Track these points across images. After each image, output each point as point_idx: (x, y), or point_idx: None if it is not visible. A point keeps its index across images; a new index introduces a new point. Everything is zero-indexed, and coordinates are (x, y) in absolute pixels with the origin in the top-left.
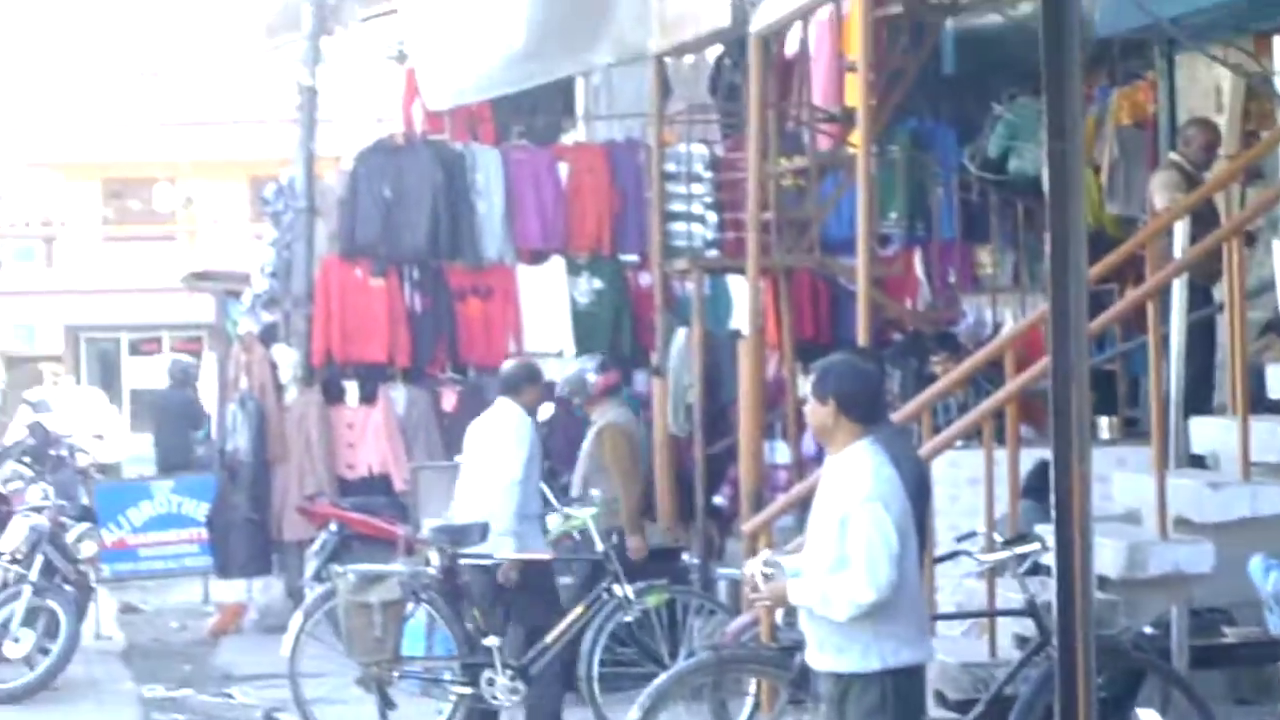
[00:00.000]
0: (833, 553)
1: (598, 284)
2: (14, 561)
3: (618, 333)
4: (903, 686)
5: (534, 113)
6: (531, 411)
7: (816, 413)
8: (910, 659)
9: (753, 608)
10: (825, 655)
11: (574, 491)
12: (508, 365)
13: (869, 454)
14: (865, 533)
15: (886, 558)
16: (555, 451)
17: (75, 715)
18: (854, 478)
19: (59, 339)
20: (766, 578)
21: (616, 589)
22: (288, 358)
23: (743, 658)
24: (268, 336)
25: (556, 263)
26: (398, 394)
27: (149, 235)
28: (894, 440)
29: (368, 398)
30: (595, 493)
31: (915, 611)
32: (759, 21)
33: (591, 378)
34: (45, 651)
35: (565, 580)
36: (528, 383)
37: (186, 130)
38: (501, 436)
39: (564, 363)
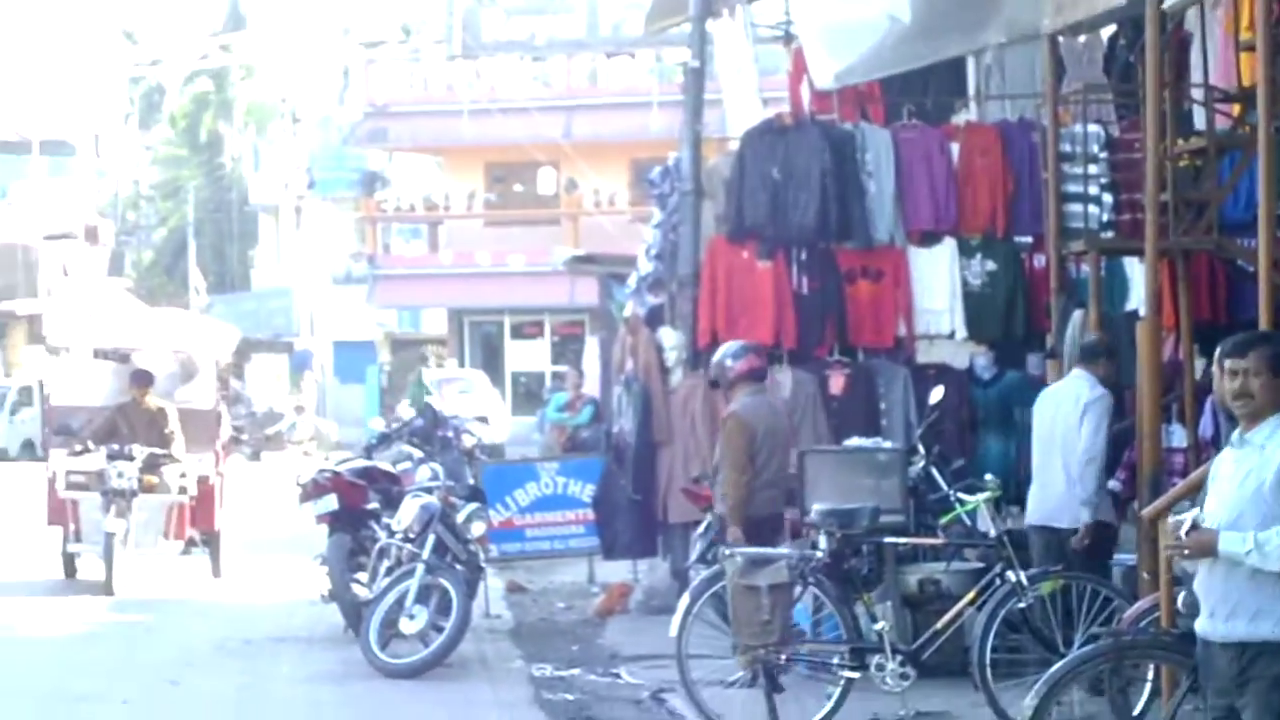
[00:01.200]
0: (1264, 510)
1: (991, 266)
2: (407, 540)
3: (1011, 315)
4: None
5: (924, 92)
6: (1105, 383)
7: (1255, 384)
8: None
9: (1172, 564)
10: (1235, 622)
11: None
12: (1089, 337)
13: None
14: None
15: None
16: (947, 433)
17: (468, 692)
18: None
19: (443, 322)
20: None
21: (1010, 575)
22: (673, 340)
23: (1142, 644)
24: (653, 319)
25: (948, 244)
26: (784, 376)
27: (531, 219)
28: None
29: None
30: (990, 477)
31: None
32: None
33: (730, 363)
34: (438, 629)
35: (957, 566)
36: (1105, 356)
37: (569, 114)
38: (1077, 406)
39: (952, 346)
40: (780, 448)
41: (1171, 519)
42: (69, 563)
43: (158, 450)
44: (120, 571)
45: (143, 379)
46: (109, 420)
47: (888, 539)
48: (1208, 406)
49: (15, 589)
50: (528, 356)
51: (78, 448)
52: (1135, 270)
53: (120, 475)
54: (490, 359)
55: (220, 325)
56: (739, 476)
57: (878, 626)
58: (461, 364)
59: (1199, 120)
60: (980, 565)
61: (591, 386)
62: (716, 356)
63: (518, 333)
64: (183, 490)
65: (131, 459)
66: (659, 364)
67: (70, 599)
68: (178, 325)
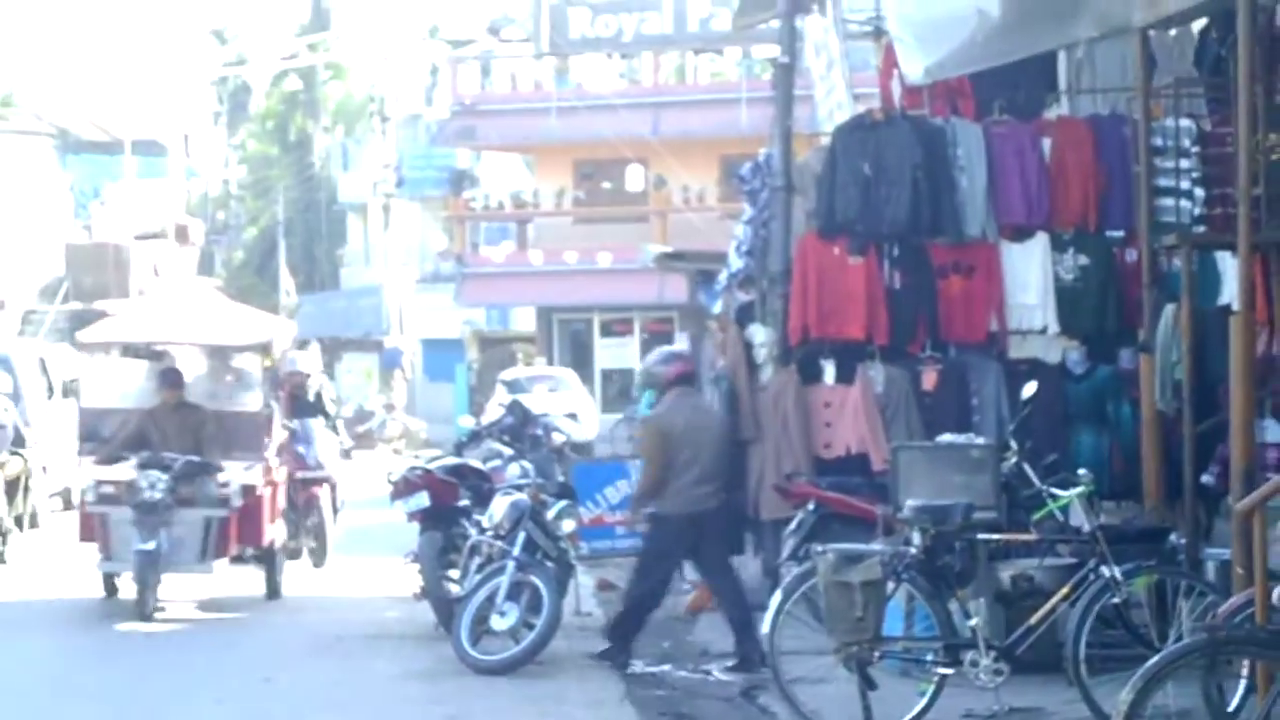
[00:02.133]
0: None
1: (1083, 260)
2: (498, 537)
3: (1103, 309)
4: None
5: (1015, 87)
6: None
7: None
8: None
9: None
10: None
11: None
12: None
13: None
14: None
15: None
16: (1039, 429)
17: (559, 688)
18: None
19: (532, 320)
20: None
21: (1104, 570)
22: (763, 337)
23: (1238, 639)
24: (743, 316)
25: (1040, 239)
26: (876, 373)
27: (620, 216)
28: None
29: (845, 377)
30: (1083, 472)
31: None
32: None
33: (660, 369)
34: (529, 626)
35: (1050, 561)
36: None
37: (657, 111)
38: None
39: (1045, 341)
40: (708, 444)
41: None
42: (108, 582)
43: (194, 458)
44: (158, 593)
45: (172, 379)
46: (139, 425)
47: (981, 535)
48: None
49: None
50: (617, 354)
51: (107, 456)
52: (1227, 265)
53: (152, 486)
54: (579, 356)
55: (273, 318)
56: (651, 470)
57: (971, 623)
58: (550, 362)
59: None
60: (1074, 561)
61: None
62: (647, 363)
63: (607, 330)
64: (223, 502)
65: (166, 468)
66: (746, 361)
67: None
68: (220, 318)
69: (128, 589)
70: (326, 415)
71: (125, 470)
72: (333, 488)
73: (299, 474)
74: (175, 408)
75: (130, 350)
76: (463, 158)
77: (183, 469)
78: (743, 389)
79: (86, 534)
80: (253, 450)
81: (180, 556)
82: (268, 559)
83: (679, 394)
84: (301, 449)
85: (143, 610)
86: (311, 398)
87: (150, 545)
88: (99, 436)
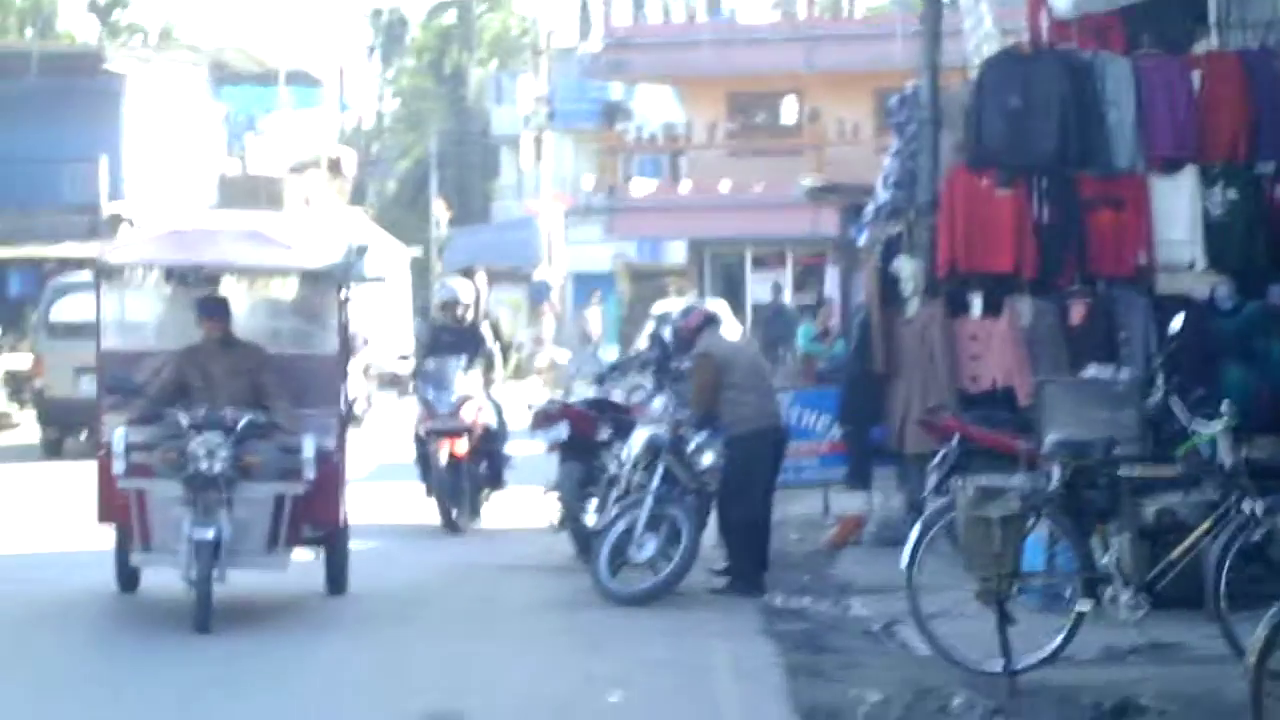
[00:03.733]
0: None
1: (1232, 195)
2: (636, 470)
3: (1251, 244)
4: None
5: (1163, 21)
6: None
7: None
8: None
9: None
10: None
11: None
12: None
13: None
14: None
15: None
16: (1187, 364)
17: (698, 620)
18: None
19: (683, 253)
20: None
21: (1246, 505)
22: (910, 269)
23: None
24: (891, 248)
25: (1189, 172)
26: (1023, 306)
27: (773, 149)
28: None
29: (992, 310)
30: (1228, 405)
31: None
32: None
33: (682, 323)
34: (668, 558)
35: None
36: None
37: (811, 44)
38: None
39: (1193, 276)
40: (755, 368)
41: None
42: (127, 575)
43: (258, 416)
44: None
45: (214, 309)
46: (178, 370)
47: (1122, 469)
48: None
49: None
50: (769, 287)
51: (141, 413)
52: None
53: (210, 454)
54: (731, 290)
55: (352, 239)
56: (705, 397)
57: (1111, 558)
58: (702, 295)
59: None
60: (1217, 496)
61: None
62: (673, 322)
63: (759, 263)
64: (295, 473)
65: (228, 430)
66: (882, 294)
67: None
68: (282, 235)
69: (156, 583)
70: (488, 354)
71: (169, 430)
72: (478, 440)
73: (426, 425)
74: (222, 346)
75: (170, 276)
76: (615, 91)
77: (246, 429)
78: (875, 322)
79: (109, 514)
80: (326, 404)
81: (246, 546)
82: (336, 543)
83: (709, 333)
84: (431, 395)
85: (202, 619)
86: (474, 331)
87: (209, 533)
88: (128, 387)
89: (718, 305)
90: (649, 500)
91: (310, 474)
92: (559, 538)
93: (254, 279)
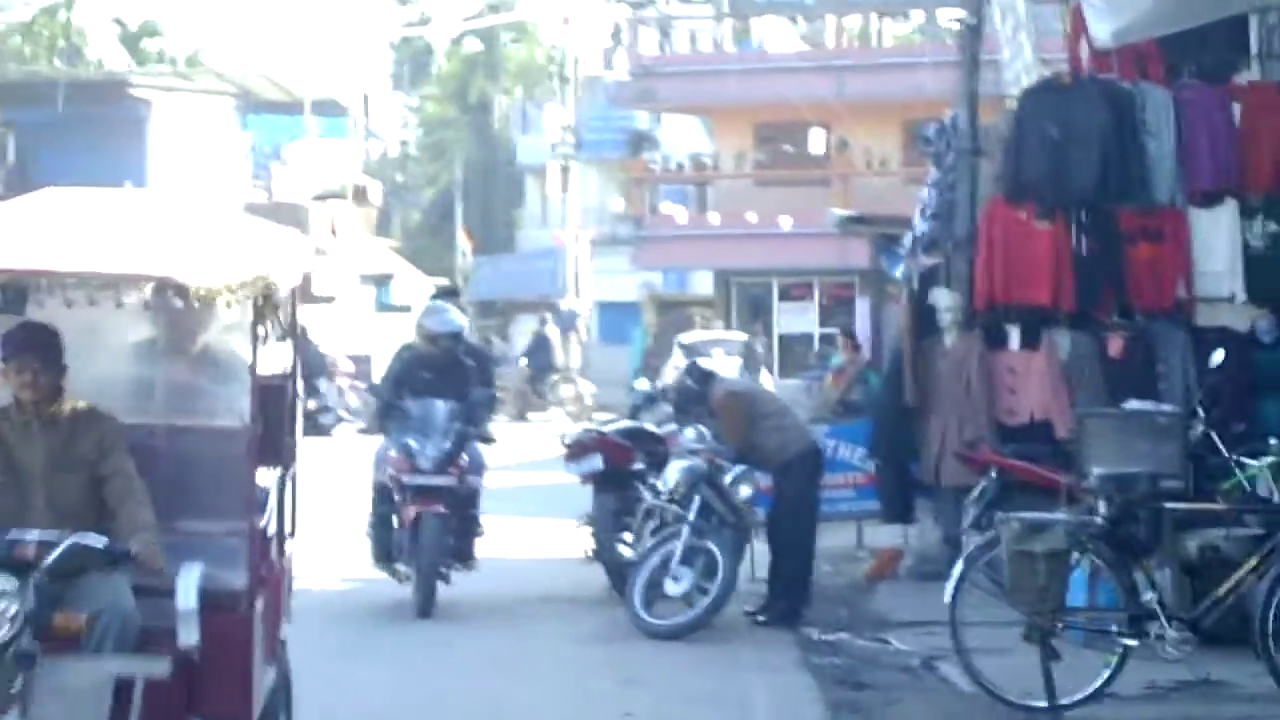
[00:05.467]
0: None
1: (1272, 227)
2: (673, 501)
3: None
4: None
5: (1205, 51)
6: None
7: None
8: None
9: None
10: None
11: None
12: None
13: None
14: None
15: None
16: (1227, 397)
17: (733, 654)
18: None
19: (710, 283)
20: None
21: None
22: (948, 301)
23: None
24: (928, 280)
25: (1229, 205)
26: (1062, 339)
27: (801, 180)
28: None
29: (1030, 342)
30: (1273, 442)
31: None
32: None
33: (690, 380)
34: (704, 591)
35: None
36: None
37: (840, 74)
38: None
39: (1233, 309)
40: (774, 395)
41: None
42: None
43: (86, 538)
44: None
45: (26, 351)
46: None
47: (1167, 504)
48: None
49: None
50: (796, 318)
51: None
52: None
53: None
54: (757, 321)
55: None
56: (740, 430)
57: (1155, 594)
58: (728, 326)
59: None
60: (1262, 531)
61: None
62: (685, 382)
63: (786, 294)
64: (158, 640)
65: (26, 567)
66: (914, 327)
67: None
68: (165, 234)
69: None
70: (486, 398)
71: None
72: (459, 503)
73: (405, 479)
74: (40, 416)
75: None
76: (642, 120)
77: (63, 564)
78: (907, 355)
79: None
80: (230, 510)
81: None
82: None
83: (717, 378)
84: (414, 443)
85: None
86: (460, 367)
87: None
88: None
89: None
90: (685, 532)
91: (190, 638)
92: (593, 570)
93: (101, 297)
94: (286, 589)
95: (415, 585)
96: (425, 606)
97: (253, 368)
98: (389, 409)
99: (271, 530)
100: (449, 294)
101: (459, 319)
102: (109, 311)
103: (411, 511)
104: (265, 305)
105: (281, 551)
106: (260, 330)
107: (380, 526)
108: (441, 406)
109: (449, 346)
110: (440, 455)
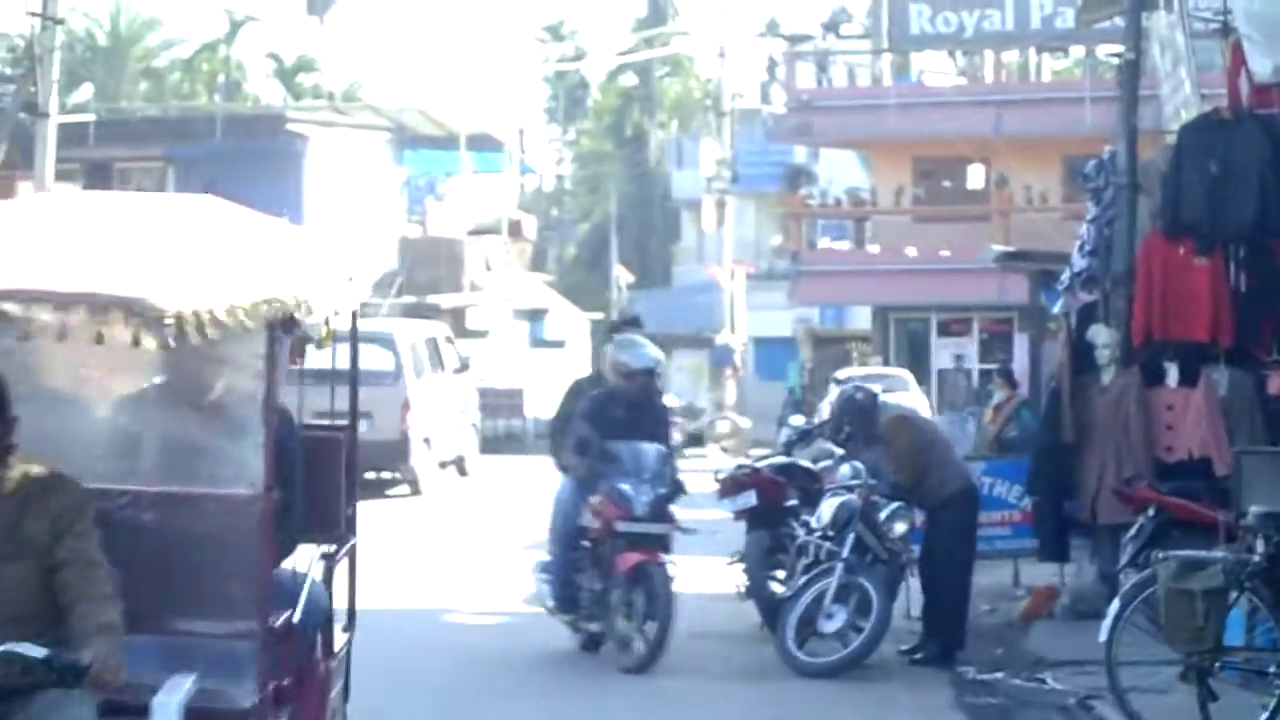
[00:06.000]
0: None
1: None
2: (826, 538)
3: None
4: None
5: None
6: None
7: None
8: None
9: None
10: None
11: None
12: None
13: None
14: None
15: None
16: None
17: (887, 694)
18: None
19: (867, 318)
20: None
21: None
22: (1106, 338)
23: None
24: (1086, 316)
25: None
26: (1220, 376)
27: (960, 215)
28: None
29: (1188, 379)
30: None
31: None
32: None
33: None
34: (857, 629)
35: None
36: None
37: (998, 109)
38: None
39: None
40: (937, 428)
41: None
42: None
43: (32, 652)
44: None
45: None
46: None
47: None
48: None
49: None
50: (955, 354)
51: None
52: None
53: None
54: (916, 356)
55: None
56: (917, 461)
57: None
58: (886, 361)
59: None
60: None
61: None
62: (854, 397)
63: (944, 329)
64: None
65: None
66: (1072, 362)
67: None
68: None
69: None
70: (673, 443)
71: None
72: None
73: (620, 526)
74: None
75: None
76: (798, 154)
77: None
78: (1065, 391)
79: None
80: (232, 608)
81: None
82: None
83: (884, 401)
84: (628, 488)
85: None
86: (656, 406)
87: None
88: None
89: (901, 373)
90: (839, 569)
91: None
92: (745, 606)
93: (74, 331)
94: (338, 698)
95: (620, 634)
96: (649, 660)
97: (267, 418)
98: (589, 445)
99: (309, 624)
100: (631, 324)
101: (656, 353)
102: (93, 351)
103: (630, 560)
104: (294, 338)
105: (329, 652)
106: (272, 366)
107: (567, 571)
108: (651, 450)
109: (646, 383)
110: (656, 501)
